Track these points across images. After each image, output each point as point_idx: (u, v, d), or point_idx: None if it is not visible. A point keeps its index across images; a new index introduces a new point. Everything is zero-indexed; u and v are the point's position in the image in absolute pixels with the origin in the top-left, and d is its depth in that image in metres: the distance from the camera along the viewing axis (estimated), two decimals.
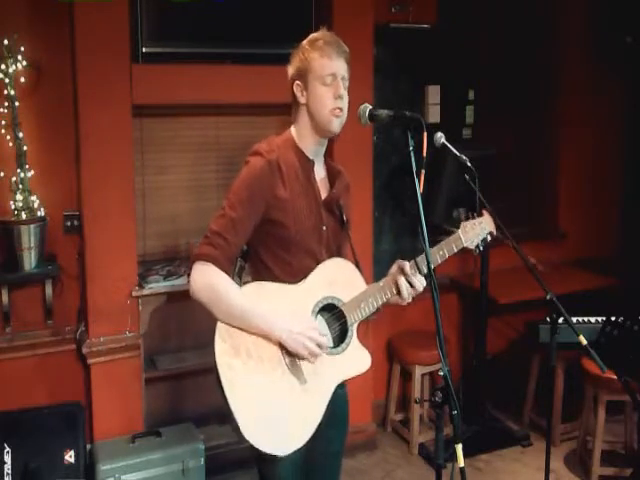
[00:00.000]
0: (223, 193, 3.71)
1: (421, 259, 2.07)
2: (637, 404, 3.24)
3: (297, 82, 2.06)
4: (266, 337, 1.97)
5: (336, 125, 2.06)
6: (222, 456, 3.50)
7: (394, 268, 2.11)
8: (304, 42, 2.09)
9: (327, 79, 2.02)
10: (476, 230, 2.24)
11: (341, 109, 2.04)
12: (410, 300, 2.11)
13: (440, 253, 2.16)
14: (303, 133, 2.09)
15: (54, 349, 3.37)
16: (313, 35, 2.09)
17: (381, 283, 2.11)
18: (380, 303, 2.10)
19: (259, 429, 1.91)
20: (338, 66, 2.04)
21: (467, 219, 2.26)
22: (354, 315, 2.08)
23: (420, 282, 2.07)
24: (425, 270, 2.05)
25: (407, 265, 2.08)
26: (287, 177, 2.03)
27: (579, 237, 4.68)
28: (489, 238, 2.28)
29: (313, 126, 2.07)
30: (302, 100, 2.06)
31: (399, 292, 2.08)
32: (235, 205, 1.98)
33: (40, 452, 3.10)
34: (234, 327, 1.95)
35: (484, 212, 2.31)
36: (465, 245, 2.22)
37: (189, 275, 1.98)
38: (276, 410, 1.94)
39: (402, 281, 2.07)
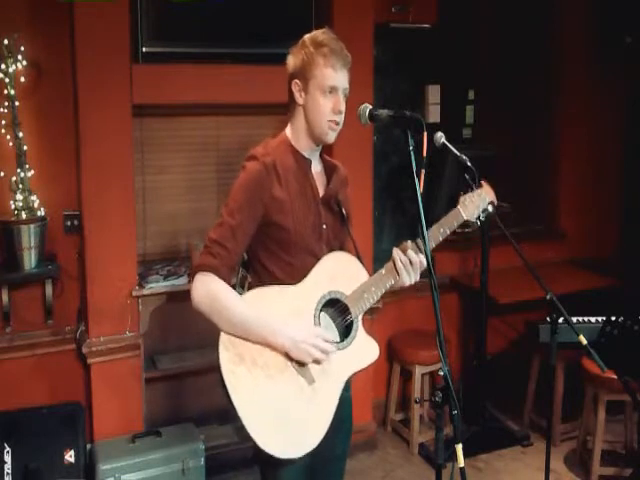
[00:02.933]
0: (223, 193, 3.72)
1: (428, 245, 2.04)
2: (637, 404, 3.25)
3: (296, 81, 2.04)
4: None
5: (331, 137, 2.06)
6: (222, 456, 3.50)
7: (395, 252, 2.07)
8: (307, 41, 2.05)
9: (327, 89, 2.01)
10: (476, 202, 2.23)
11: (338, 123, 2.04)
12: (412, 281, 2.07)
13: (441, 230, 2.14)
14: (299, 134, 2.08)
15: (54, 349, 3.37)
16: (318, 36, 2.05)
17: (383, 271, 2.08)
18: (383, 291, 2.08)
19: (270, 434, 1.89)
20: (341, 79, 2.02)
21: (465, 193, 2.25)
22: (358, 307, 2.06)
23: (420, 260, 2.04)
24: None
25: (409, 245, 2.06)
26: (284, 178, 2.02)
27: (579, 237, 4.68)
28: (490, 208, 2.27)
29: (308, 130, 2.06)
30: (300, 101, 2.05)
31: (399, 273, 2.05)
32: (233, 212, 1.97)
33: (40, 452, 3.11)
34: (237, 336, 1.94)
35: (483, 183, 2.29)
36: (466, 219, 2.20)
37: (190, 284, 1.97)
38: (286, 413, 1.93)
39: (400, 256, 2.04)
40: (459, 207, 2.20)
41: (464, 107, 4.38)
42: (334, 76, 2.01)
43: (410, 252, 2.05)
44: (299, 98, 2.05)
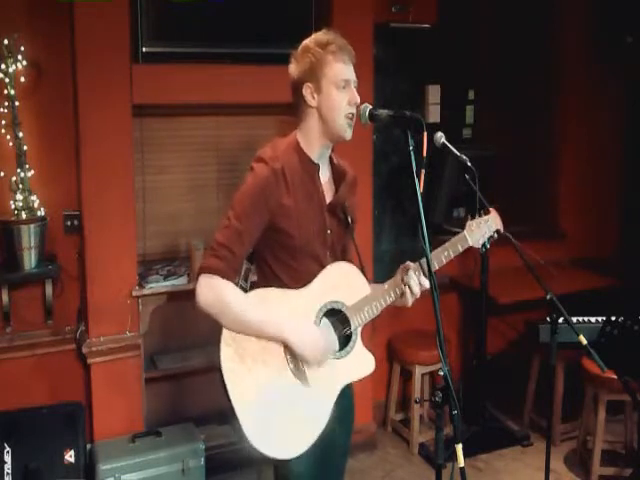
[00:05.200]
0: (223, 193, 3.72)
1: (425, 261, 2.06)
2: (637, 404, 3.24)
3: (308, 84, 2.03)
4: (271, 342, 1.97)
5: (350, 132, 2.06)
6: (222, 456, 3.50)
7: (399, 271, 2.10)
8: (310, 43, 2.05)
9: (341, 84, 2.01)
10: (482, 229, 2.23)
11: (354, 115, 2.04)
12: (413, 299, 2.10)
13: (445, 254, 2.15)
14: (311, 137, 2.07)
15: (54, 349, 3.37)
16: (320, 37, 2.05)
17: (385, 286, 2.10)
18: (384, 306, 2.10)
19: (264, 434, 1.91)
20: (351, 72, 2.04)
21: (473, 218, 2.25)
22: (358, 319, 2.08)
23: (423, 283, 2.06)
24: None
25: (412, 266, 2.08)
26: (291, 184, 2.02)
27: (579, 237, 4.68)
28: (496, 236, 2.28)
29: (323, 130, 2.06)
30: (313, 103, 2.04)
31: (402, 294, 2.08)
32: (240, 216, 1.97)
33: (40, 452, 3.11)
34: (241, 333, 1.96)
35: (491, 210, 2.30)
36: (471, 244, 2.21)
37: (195, 285, 1.98)
38: (281, 415, 1.95)
39: (408, 280, 2.06)
40: (465, 232, 2.21)
41: (464, 107, 4.38)
42: (346, 69, 2.02)
43: (412, 273, 2.06)
44: (312, 100, 2.04)
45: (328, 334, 2.06)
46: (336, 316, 2.09)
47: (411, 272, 2.06)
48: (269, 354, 1.97)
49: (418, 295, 2.10)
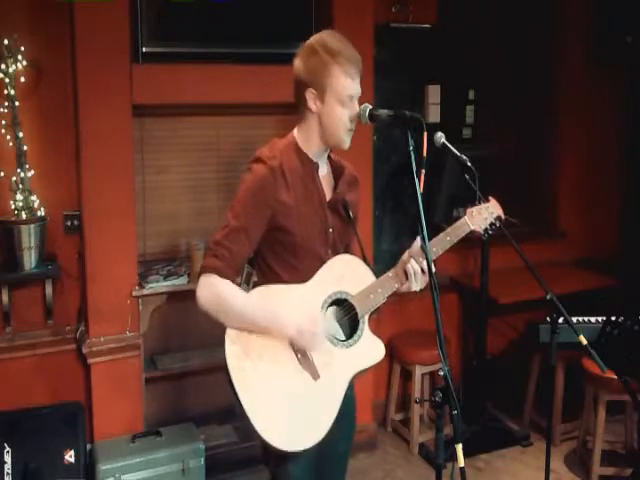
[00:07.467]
0: (223, 193, 3.72)
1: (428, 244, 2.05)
2: (637, 404, 3.25)
3: (311, 90, 2.00)
4: (277, 336, 1.97)
5: (348, 142, 2.06)
6: (222, 456, 3.50)
7: (405, 256, 2.10)
8: (318, 47, 2.00)
9: (346, 100, 2.00)
10: (483, 214, 2.25)
11: (353, 129, 2.04)
12: (419, 287, 2.10)
13: (447, 239, 2.16)
14: (309, 138, 2.07)
15: (54, 349, 3.37)
16: (329, 41, 2.00)
17: (390, 273, 2.11)
18: (390, 293, 2.10)
19: (275, 428, 1.91)
20: (357, 86, 2.02)
21: (472, 206, 2.26)
22: (364, 307, 2.08)
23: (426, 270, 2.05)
24: (433, 256, 2.05)
25: (415, 252, 2.07)
26: (291, 182, 2.01)
27: (579, 237, 4.68)
28: (498, 223, 2.28)
29: (322, 136, 2.05)
30: (314, 109, 2.02)
31: (407, 279, 2.08)
32: (239, 215, 1.97)
33: (40, 452, 3.10)
34: (244, 330, 1.96)
35: (491, 198, 2.31)
36: (472, 228, 2.22)
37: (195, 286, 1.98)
38: (291, 407, 1.94)
39: (412, 265, 2.06)
40: (466, 217, 2.22)
41: (464, 107, 4.38)
42: (352, 85, 2.00)
43: (420, 259, 2.06)
44: (313, 106, 2.02)
45: (333, 326, 2.06)
46: (342, 305, 2.09)
47: (413, 261, 2.06)
48: (275, 349, 1.96)
49: (424, 283, 2.09)
